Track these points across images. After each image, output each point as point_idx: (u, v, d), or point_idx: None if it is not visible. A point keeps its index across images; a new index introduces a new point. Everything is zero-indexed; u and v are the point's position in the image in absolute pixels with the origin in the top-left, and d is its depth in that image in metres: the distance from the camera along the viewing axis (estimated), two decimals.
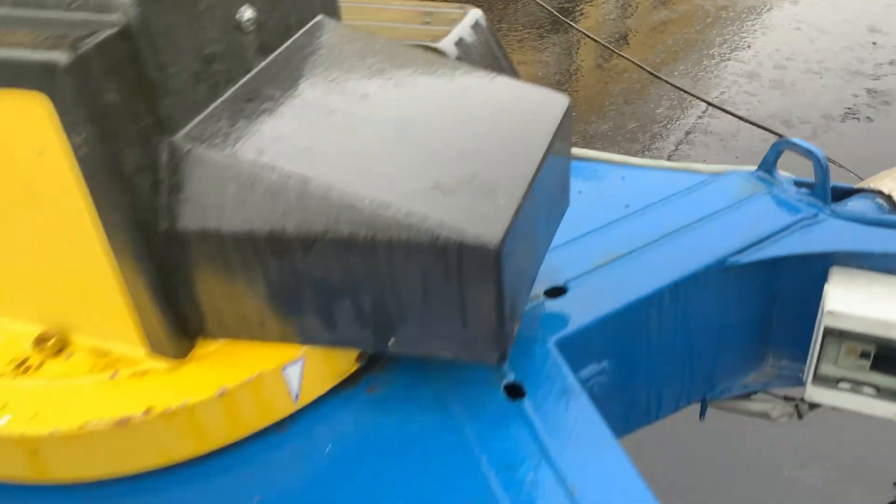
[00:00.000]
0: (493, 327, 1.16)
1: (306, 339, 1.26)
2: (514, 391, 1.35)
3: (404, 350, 1.23)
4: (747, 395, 1.88)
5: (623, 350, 1.55)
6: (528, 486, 1.19)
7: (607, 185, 1.87)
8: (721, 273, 1.61)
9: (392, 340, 1.22)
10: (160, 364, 1.26)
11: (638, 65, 5.61)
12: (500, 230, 1.09)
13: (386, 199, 1.11)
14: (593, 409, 1.31)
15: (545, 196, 1.29)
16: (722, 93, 6.09)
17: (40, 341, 1.31)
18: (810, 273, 1.64)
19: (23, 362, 1.30)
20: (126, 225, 1.12)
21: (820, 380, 1.66)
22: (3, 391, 1.24)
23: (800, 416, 1.85)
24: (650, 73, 5.72)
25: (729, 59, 6.67)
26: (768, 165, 1.83)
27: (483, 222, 1.10)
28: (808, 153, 1.73)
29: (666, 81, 5.61)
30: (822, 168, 1.72)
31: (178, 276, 1.20)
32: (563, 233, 1.54)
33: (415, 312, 1.17)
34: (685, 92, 5.58)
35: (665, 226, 1.69)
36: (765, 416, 1.88)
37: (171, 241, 1.16)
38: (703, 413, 1.88)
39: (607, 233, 1.69)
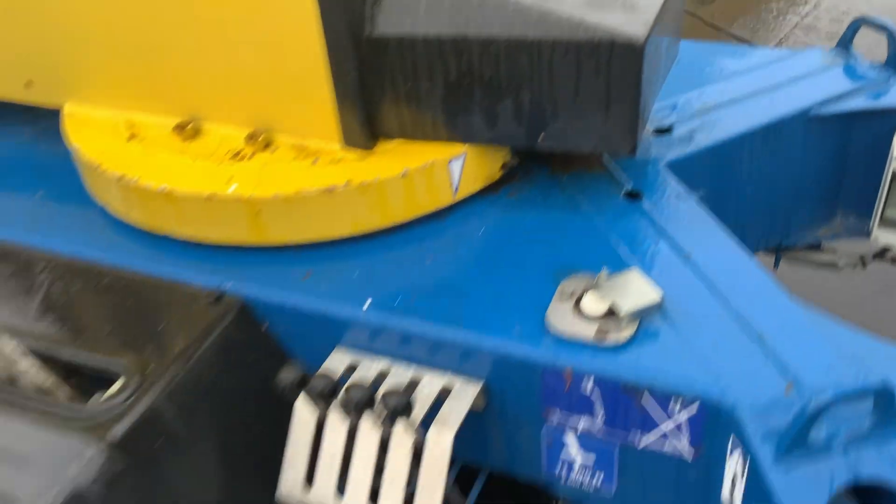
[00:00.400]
0: (629, 120, 1.43)
1: (469, 137, 1.54)
2: (633, 196, 1.63)
3: (551, 145, 1.51)
4: (817, 247, 2.14)
5: (718, 182, 1.82)
6: (651, 253, 1.48)
7: (700, 59, 2.13)
8: (805, 123, 1.86)
9: (542, 136, 1.50)
10: (352, 155, 1.56)
11: (696, 16, 5.80)
12: (643, 32, 1.36)
13: (550, 8, 1.39)
14: (701, 207, 1.58)
15: (668, 28, 1.56)
16: (780, 42, 6.25)
17: (251, 137, 1.62)
18: (881, 129, 1.89)
19: (238, 153, 1.61)
20: (343, 27, 1.42)
21: (885, 223, 1.91)
22: (226, 169, 1.55)
23: (864, 265, 2.10)
24: (708, 23, 5.90)
25: (787, 13, 6.80)
26: (845, 42, 2.07)
27: (629, 26, 1.37)
28: (882, 28, 1.96)
29: (724, 31, 5.79)
30: (894, 41, 1.96)
31: (373, 78, 1.49)
32: (665, 90, 1.81)
33: (565, 108, 1.45)
34: (744, 41, 5.77)
35: (755, 85, 1.94)
36: (832, 265, 2.13)
37: (372, 45, 1.45)
38: (777, 262, 2.14)
39: (704, 90, 1.95)
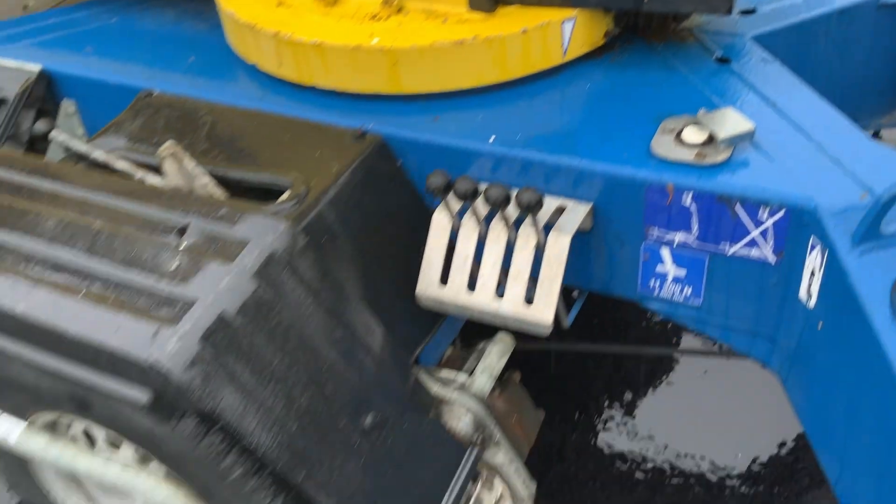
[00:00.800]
0: None
1: (580, 0, 1.76)
2: (723, 60, 1.83)
3: (656, 6, 1.72)
4: (877, 136, 2.32)
5: (796, 60, 2.00)
6: (741, 102, 1.68)
7: None
8: (875, 10, 2.04)
9: None
10: (476, 16, 1.79)
11: None
12: None
13: None
14: (786, 69, 1.78)
15: None
16: None
17: (386, 2, 1.85)
18: None
19: (375, 15, 1.84)
20: None
21: None
22: (367, 27, 1.79)
23: None
24: None
25: None
26: None
27: None
28: None
29: None
30: None
31: None
32: None
33: None
34: None
35: None
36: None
37: None
38: None
39: None
